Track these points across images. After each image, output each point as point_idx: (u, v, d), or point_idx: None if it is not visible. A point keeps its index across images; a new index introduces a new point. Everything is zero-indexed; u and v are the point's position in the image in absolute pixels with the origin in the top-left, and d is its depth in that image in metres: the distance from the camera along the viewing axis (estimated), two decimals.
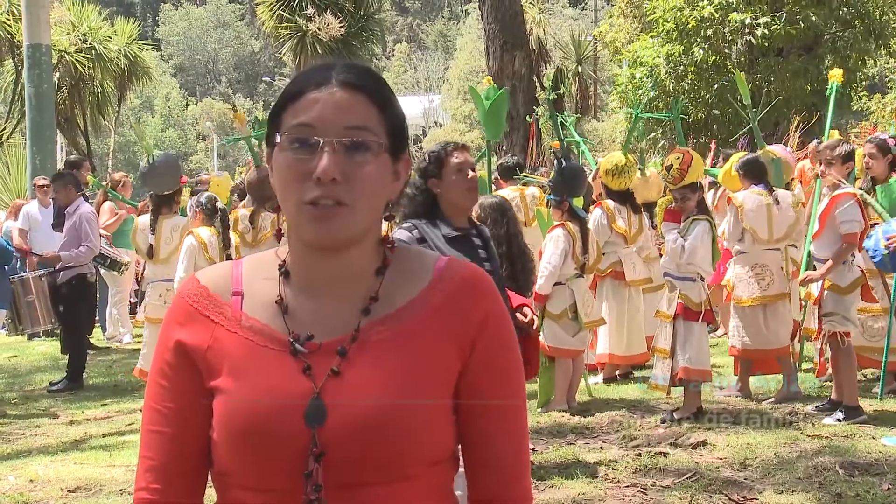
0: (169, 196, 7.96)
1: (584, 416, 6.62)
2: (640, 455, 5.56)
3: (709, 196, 9.09)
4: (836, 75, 7.91)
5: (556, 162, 7.20)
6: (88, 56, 20.13)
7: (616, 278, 8.02)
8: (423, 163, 3.98)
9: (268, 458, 1.34)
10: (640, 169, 8.47)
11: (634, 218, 8.07)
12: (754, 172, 7.19)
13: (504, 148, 15.32)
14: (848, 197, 6.28)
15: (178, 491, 1.44)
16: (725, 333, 8.68)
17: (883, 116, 20.53)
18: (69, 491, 5.31)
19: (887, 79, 26.48)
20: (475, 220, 4.17)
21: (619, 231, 7.93)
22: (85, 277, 8.85)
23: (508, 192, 8.18)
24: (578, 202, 7.29)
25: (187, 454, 1.43)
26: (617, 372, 8.08)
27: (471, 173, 3.91)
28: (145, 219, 8.07)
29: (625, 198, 8.04)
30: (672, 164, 6.53)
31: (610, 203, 7.97)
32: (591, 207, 8.15)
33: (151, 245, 7.87)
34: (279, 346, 1.39)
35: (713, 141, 13.52)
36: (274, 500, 1.35)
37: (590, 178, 8.37)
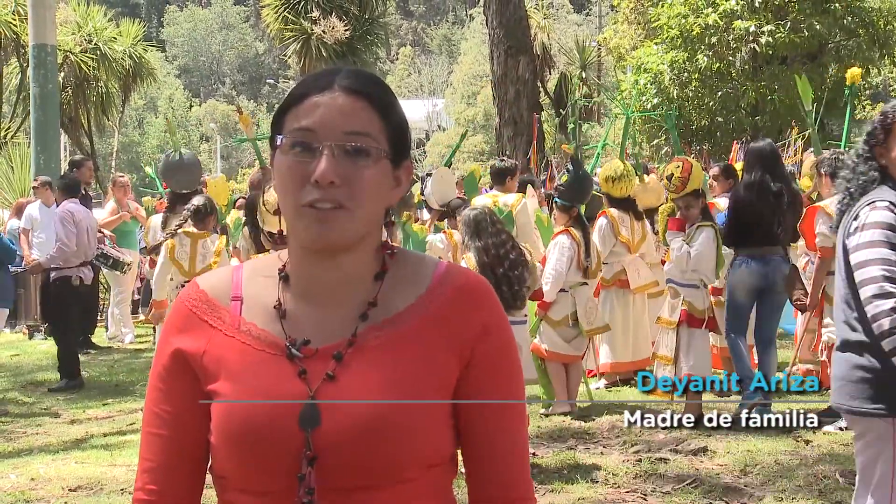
0: (186, 195, 7.97)
1: (585, 421, 6.63)
2: (640, 461, 5.56)
3: None
4: (854, 75, 7.61)
5: (570, 167, 7.21)
6: (93, 56, 20.16)
7: (621, 286, 8.03)
8: (870, 125, 3.20)
9: (263, 461, 1.35)
10: (638, 175, 8.48)
11: (637, 225, 8.07)
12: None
13: (507, 152, 15.34)
14: (820, 211, 6.35)
15: (174, 492, 1.46)
16: None
17: None
18: (70, 490, 5.33)
19: (891, 88, 26.50)
20: None
21: (623, 240, 7.93)
22: (69, 280, 8.81)
23: (482, 199, 7.97)
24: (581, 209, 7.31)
25: (184, 456, 1.45)
26: (618, 377, 8.08)
27: None
28: (157, 217, 8.09)
29: (627, 205, 8.05)
30: (672, 174, 6.52)
31: (614, 212, 7.97)
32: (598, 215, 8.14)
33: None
34: (276, 350, 1.40)
35: (735, 142, 13.48)
36: (270, 502, 1.36)
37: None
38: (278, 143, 1.40)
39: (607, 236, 7.84)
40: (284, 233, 1.47)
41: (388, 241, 1.51)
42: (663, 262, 7.42)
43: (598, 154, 10.72)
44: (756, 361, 6.97)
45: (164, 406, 1.45)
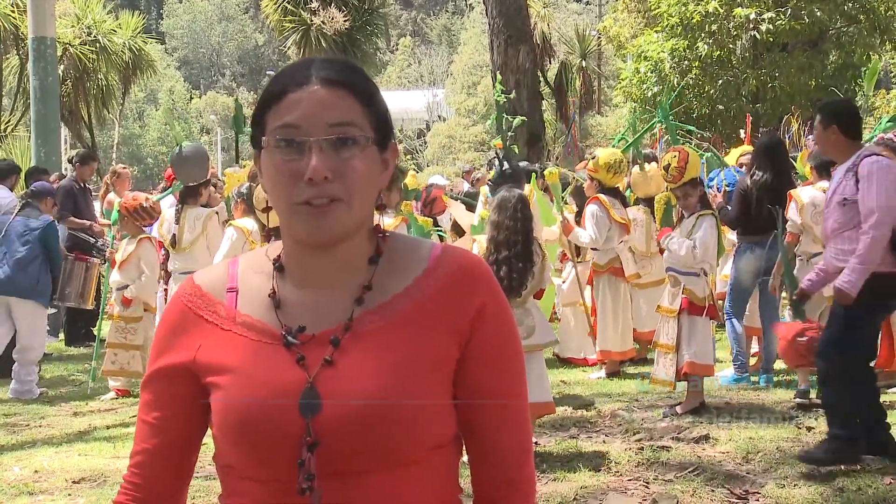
0: (195, 187, 8.00)
1: (587, 410, 6.64)
2: (642, 449, 5.57)
3: None
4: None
5: (498, 162, 7.19)
6: (93, 49, 20.14)
7: (614, 274, 8.04)
8: None
9: (265, 449, 1.36)
10: (639, 163, 8.46)
11: (625, 211, 8.12)
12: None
13: (509, 143, 15.30)
14: (792, 198, 6.90)
15: (156, 479, 1.49)
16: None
17: (887, 112, 20.49)
18: (74, 482, 5.34)
19: (892, 74, 26.42)
20: None
21: (619, 220, 7.91)
22: None
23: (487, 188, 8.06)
24: None
25: (173, 446, 1.49)
26: (620, 367, 8.09)
27: None
28: (170, 210, 8.12)
29: (615, 193, 8.06)
30: (669, 164, 6.51)
31: (605, 197, 7.96)
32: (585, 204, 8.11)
33: (174, 235, 7.93)
34: (273, 339, 1.41)
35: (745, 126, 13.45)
36: (274, 489, 1.37)
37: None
38: (262, 142, 1.39)
39: (601, 220, 7.81)
40: (271, 228, 1.48)
41: (379, 225, 1.51)
42: (661, 252, 7.42)
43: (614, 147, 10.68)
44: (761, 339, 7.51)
45: (153, 396, 1.49)
